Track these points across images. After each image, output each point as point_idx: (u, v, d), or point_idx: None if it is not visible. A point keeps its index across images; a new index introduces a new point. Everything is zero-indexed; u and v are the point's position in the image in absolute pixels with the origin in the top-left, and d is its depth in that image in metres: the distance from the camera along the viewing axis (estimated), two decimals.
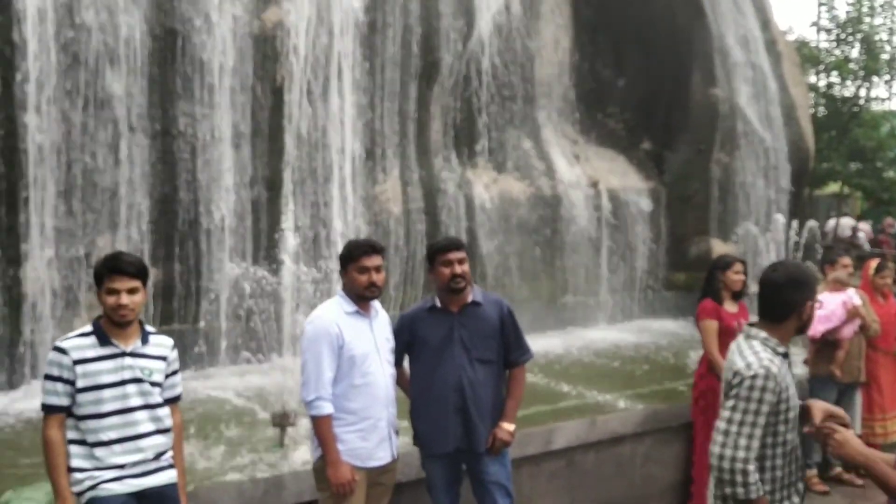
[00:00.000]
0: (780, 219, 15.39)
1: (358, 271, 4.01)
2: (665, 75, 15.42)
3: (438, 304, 4.23)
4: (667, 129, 15.63)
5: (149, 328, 3.63)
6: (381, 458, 4.04)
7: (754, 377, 2.99)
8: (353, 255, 4.03)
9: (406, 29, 11.93)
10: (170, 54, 9.94)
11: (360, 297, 4.04)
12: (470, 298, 4.22)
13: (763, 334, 3.14)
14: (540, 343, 11.80)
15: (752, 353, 3.06)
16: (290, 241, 9.78)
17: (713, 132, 15.25)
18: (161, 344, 3.61)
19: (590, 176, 14.59)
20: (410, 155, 12.22)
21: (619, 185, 14.94)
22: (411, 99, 12.20)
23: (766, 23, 17.14)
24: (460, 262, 4.16)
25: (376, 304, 4.17)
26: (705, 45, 15.32)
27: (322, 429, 3.89)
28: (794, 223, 15.52)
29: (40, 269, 8.99)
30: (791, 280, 3.13)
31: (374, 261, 4.03)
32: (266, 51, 10.60)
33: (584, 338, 13.13)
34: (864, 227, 22.79)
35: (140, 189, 9.74)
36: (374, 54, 11.64)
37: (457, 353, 4.15)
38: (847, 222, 22.62)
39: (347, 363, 3.93)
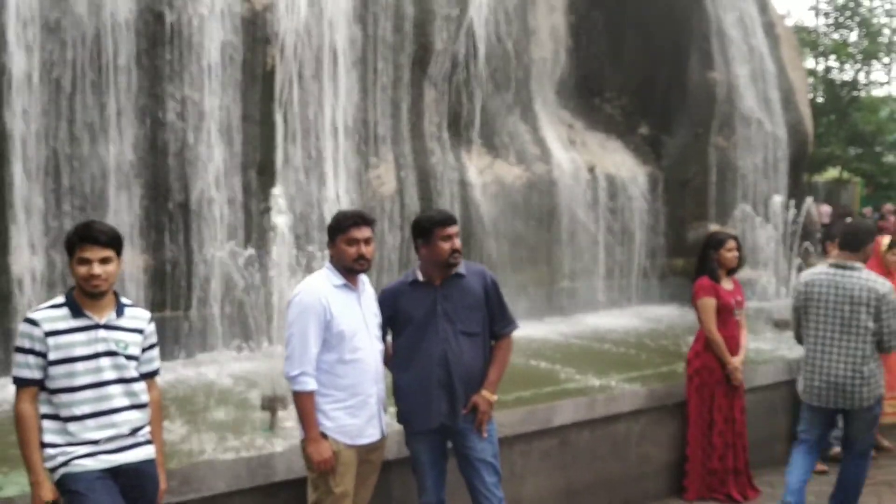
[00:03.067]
0: (778, 199, 15.30)
1: (346, 243, 3.87)
2: (662, 58, 15.28)
3: (421, 277, 4.12)
4: (664, 113, 15.49)
5: (125, 300, 3.50)
6: (371, 435, 3.93)
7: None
8: (342, 225, 3.89)
9: (399, 12, 11.78)
10: (158, 37, 9.79)
11: (349, 269, 3.91)
12: (453, 270, 4.11)
13: (862, 265, 4.87)
14: (536, 328, 11.72)
15: (880, 278, 4.86)
16: (281, 226, 9.67)
17: (711, 116, 15.14)
18: (137, 316, 3.48)
19: (586, 161, 14.46)
20: (404, 139, 12.07)
21: (616, 170, 14.81)
22: (404, 83, 12.04)
23: (764, 6, 17.03)
24: (457, 235, 4.09)
25: (363, 277, 4.05)
26: (703, 28, 15.19)
27: (304, 405, 3.78)
28: (793, 207, 15.42)
29: (28, 255, 8.88)
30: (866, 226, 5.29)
31: (364, 232, 3.89)
32: (256, 33, 10.46)
33: (580, 323, 13.03)
34: (825, 210, 22.47)
35: (129, 174, 9.60)
36: (366, 37, 11.49)
37: (441, 327, 4.02)
38: (826, 210, 22.35)
39: (336, 338, 3.80)
